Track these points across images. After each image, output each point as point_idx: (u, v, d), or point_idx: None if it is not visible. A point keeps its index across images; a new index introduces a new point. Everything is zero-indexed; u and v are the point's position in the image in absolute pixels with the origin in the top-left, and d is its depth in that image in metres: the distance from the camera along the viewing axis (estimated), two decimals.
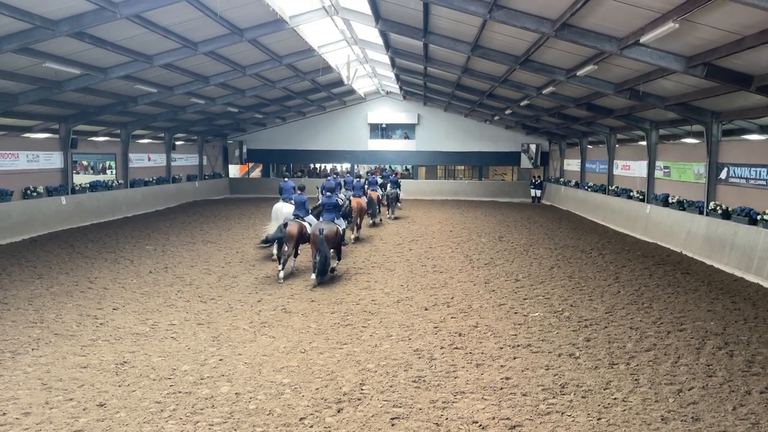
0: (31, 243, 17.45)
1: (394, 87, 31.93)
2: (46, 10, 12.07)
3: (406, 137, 37.03)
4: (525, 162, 35.91)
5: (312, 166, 39.91)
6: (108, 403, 6.60)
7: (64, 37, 13.07)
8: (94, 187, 23.77)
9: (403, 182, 37.34)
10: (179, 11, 13.50)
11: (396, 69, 24.68)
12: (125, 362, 7.90)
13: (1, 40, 12.76)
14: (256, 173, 40.70)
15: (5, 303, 10.79)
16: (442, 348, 8.58)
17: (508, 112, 27.33)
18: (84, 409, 6.46)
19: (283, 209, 16.43)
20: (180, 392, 6.92)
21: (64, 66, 15.13)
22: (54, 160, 21.44)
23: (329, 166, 40.23)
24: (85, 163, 28.54)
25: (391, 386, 7.15)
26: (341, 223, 13.85)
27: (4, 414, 6.32)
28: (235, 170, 39.78)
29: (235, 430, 6.00)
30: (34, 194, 19.86)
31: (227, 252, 16.57)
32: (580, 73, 15.20)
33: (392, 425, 6.15)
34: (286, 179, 18.96)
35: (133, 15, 12.71)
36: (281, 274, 13.06)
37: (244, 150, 37.11)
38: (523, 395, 6.93)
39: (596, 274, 13.95)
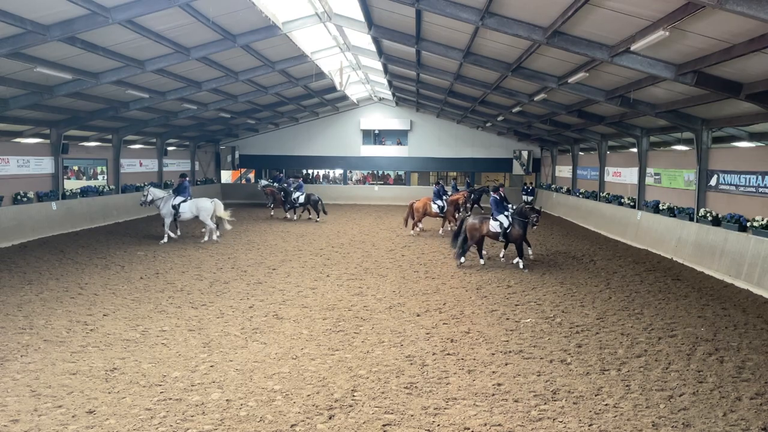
0: (21, 249, 17.33)
1: (387, 93, 32.01)
2: (37, 15, 12.03)
3: (399, 143, 37.11)
4: (517, 168, 36.04)
5: (305, 171, 39.91)
6: (97, 410, 6.55)
7: (56, 42, 13.02)
8: (85, 192, 23.64)
9: (394, 188, 37.53)
10: (172, 17, 13.48)
11: (389, 75, 24.73)
12: (115, 369, 7.84)
13: None
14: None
15: None
16: (434, 354, 8.57)
17: (500, 118, 27.44)
18: (73, 416, 6.41)
19: (204, 203, 19.35)
20: (170, 399, 6.88)
21: (56, 71, 15.06)
22: (45, 165, 21.33)
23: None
24: (76, 168, 28.44)
25: (382, 392, 7.13)
26: (503, 221, 15.25)
27: None
28: (227, 176, 39.71)
29: None
30: (24, 199, 19.74)
31: (219, 258, 16.51)
32: (571, 80, 15.29)
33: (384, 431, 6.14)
34: (186, 179, 19.88)
35: (126, 20, 12.68)
36: (462, 260, 15.60)
37: (237, 155, 37.06)
38: (515, 401, 6.94)
39: (588, 280, 13.99)
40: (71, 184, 26.14)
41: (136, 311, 10.80)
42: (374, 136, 37.27)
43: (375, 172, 39.52)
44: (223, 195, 36.87)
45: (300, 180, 28.32)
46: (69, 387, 7.23)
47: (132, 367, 7.94)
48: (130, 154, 27.99)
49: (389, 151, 37.15)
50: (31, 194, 20.16)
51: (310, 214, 27.61)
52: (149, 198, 19.26)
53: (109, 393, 7.05)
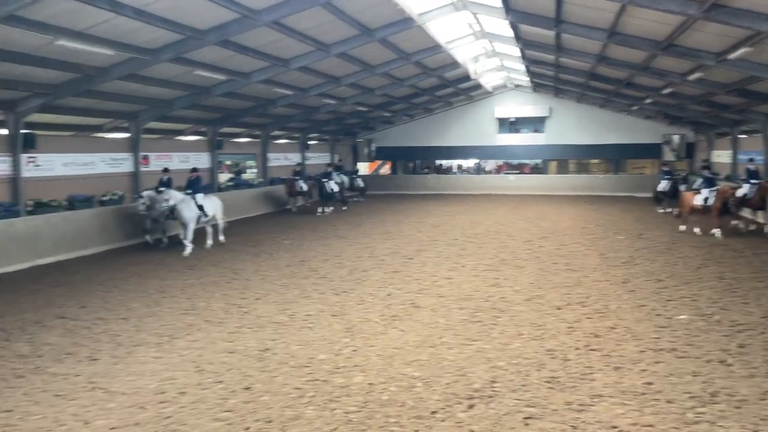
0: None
1: (524, 79, 31.17)
2: (195, 21, 13.11)
3: (536, 131, 36.00)
4: (667, 154, 33.48)
5: (438, 162, 40.02)
6: (253, 387, 7.06)
7: (212, 45, 14.12)
8: (236, 185, 25.50)
9: (531, 177, 36.54)
10: (314, 15, 14.09)
11: (525, 61, 24.06)
12: (267, 349, 8.40)
13: (158, 51, 14.04)
14: (385, 170, 41.55)
15: (162, 291, 11.92)
16: (576, 349, 8.26)
17: (648, 101, 25.68)
18: (232, 392, 6.95)
19: (219, 201, 17.82)
20: (317, 380, 7.24)
21: (212, 73, 16.36)
22: (203, 160, 23.28)
23: (459, 162, 40.08)
24: (228, 162, 30.77)
25: (523, 385, 7.00)
26: None
27: (164, 392, 6.97)
28: (364, 168, 40.84)
29: (370, 419, 6.17)
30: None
31: (357, 247, 17.07)
32: (731, 56, 13.92)
33: (526, 425, 6.03)
34: (199, 173, 17.66)
35: (273, 21, 13.45)
36: None
37: (373, 148, 37.99)
38: (668, 402, 6.50)
39: (751, 275, 12.71)
40: (223, 178, 28.27)
41: (284, 296, 11.48)
42: (510, 124, 36.43)
43: (510, 161, 38.65)
44: None
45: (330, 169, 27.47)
46: (228, 364, 7.85)
47: (282, 348, 8.46)
48: (276, 148, 29.72)
49: (525, 139, 36.16)
50: None
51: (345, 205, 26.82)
52: (171, 202, 16.28)
53: (263, 372, 7.56)
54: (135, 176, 19.61)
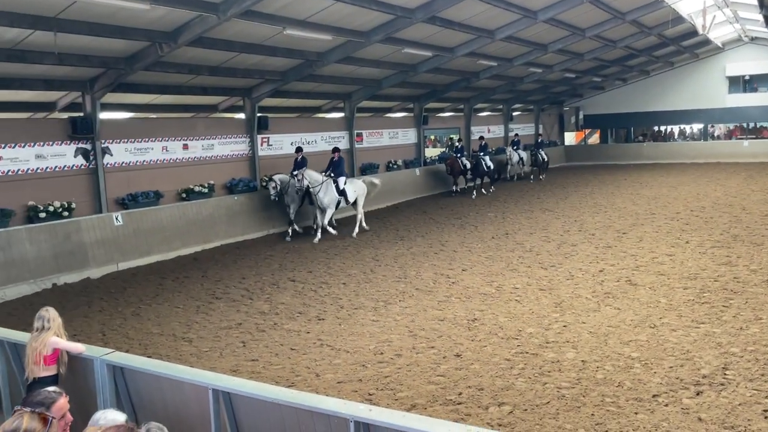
0: (393, 209, 20.08)
1: (762, 31, 27.09)
2: (404, 0, 13.51)
3: None
4: None
5: (656, 129, 36.68)
6: (463, 355, 7.27)
7: (419, 23, 14.47)
8: (442, 159, 26.05)
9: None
10: None
11: (765, 9, 20.86)
12: (475, 319, 8.56)
13: (370, 33, 14.77)
14: (594, 139, 39.21)
15: (377, 260, 12.72)
16: None
17: None
18: (444, 357, 7.24)
19: (361, 184, 16.40)
20: (527, 353, 7.21)
21: (419, 50, 16.79)
22: (409, 136, 24.17)
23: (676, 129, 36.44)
24: (432, 137, 31.46)
25: (762, 375, 6.26)
26: None
27: (382, 353, 7.49)
28: (570, 137, 38.98)
29: (584, 396, 6.00)
30: (395, 167, 22.76)
31: (565, 220, 16.49)
32: None
33: (766, 417, 5.40)
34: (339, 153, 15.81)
35: None
36: None
37: (581, 116, 36.05)
38: None
39: None
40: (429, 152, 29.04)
41: (490, 268, 11.56)
42: (744, 83, 32.02)
43: (744, 124, 34.02)
44: (567, 157, 36.37)
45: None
46: (438, 331, 8.17)
47: (490, 319, 8.56)
48: (479, 121, 29.65)
49: (764, 98, 31.50)
50: (399, 162, 23.13)
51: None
52: (305, 183, 14.73)
53: (472, 341, 7.74)
54: (350, 153, 20.98)
